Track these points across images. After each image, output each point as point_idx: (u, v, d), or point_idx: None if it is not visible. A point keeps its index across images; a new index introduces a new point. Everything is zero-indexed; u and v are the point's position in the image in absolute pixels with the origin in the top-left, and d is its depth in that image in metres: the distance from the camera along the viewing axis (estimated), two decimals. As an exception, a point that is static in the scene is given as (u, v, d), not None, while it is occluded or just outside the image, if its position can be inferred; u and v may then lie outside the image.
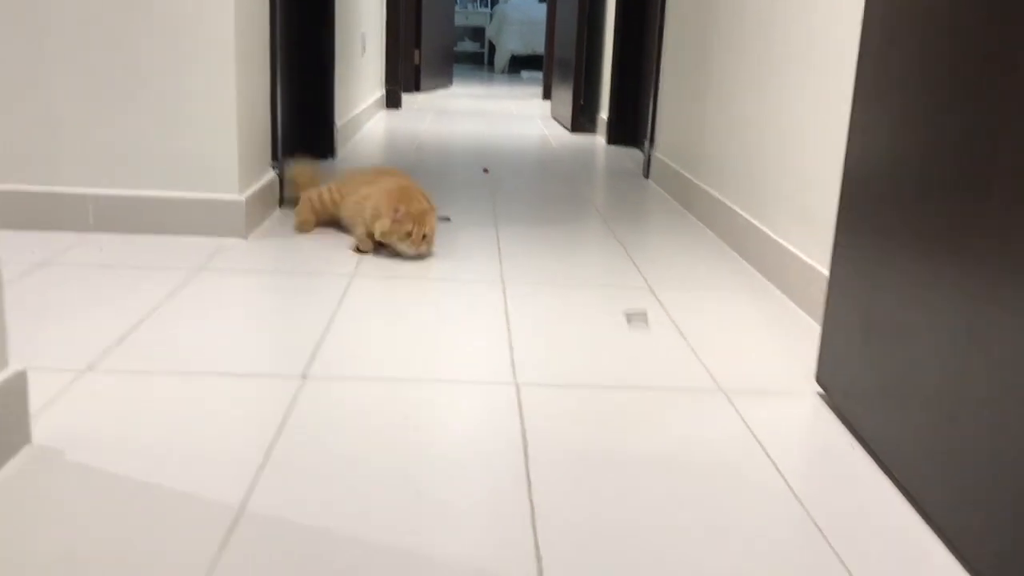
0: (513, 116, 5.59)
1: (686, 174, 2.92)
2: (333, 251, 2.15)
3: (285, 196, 2.56)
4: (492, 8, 10.22)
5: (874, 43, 1.28)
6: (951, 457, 1.02)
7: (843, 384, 1.34)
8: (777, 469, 1.19)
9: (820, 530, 1.05)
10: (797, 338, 1.72)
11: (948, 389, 1.03)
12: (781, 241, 2.05)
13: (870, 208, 1.28)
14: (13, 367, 1.10)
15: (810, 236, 1.90)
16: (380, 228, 2.08)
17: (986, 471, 0.95)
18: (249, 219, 2.23)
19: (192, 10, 2.08)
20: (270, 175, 2.46)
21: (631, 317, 1.59)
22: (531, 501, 1.08)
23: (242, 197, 2.19)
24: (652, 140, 3.47)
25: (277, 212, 2.51)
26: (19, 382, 1.10)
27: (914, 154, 1.15)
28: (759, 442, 1.27)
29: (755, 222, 2.23)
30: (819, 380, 1.42)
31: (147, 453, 1.14)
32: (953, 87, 1.06)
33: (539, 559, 0.96)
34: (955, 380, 1.02)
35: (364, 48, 4.48)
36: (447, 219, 2.57)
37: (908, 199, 1.16)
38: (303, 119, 3.45)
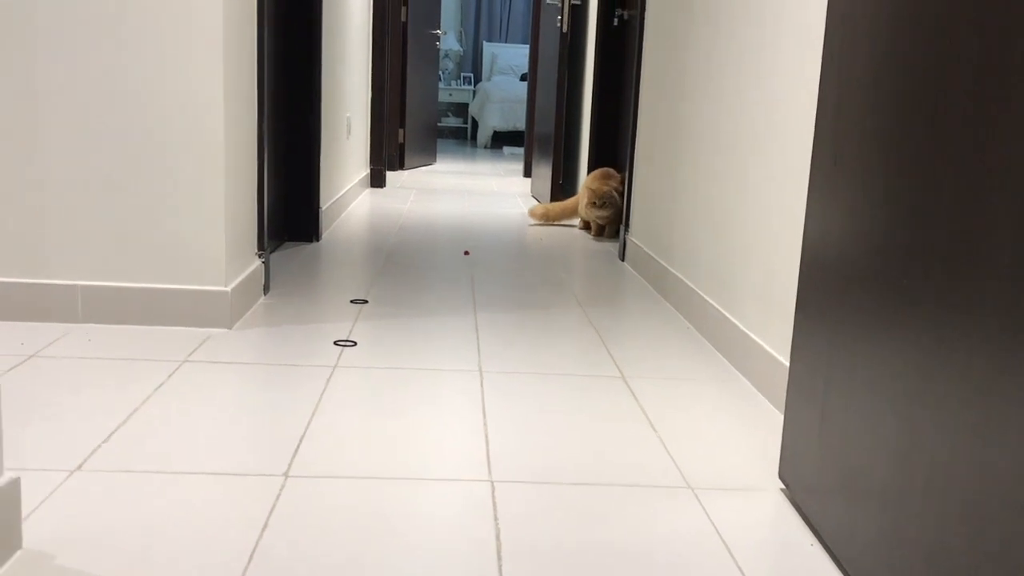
0: (494, 194, 5.72)
1: (660, 260, 3.02)
2: (316, 341, 2.21)
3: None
4: (475, 86, 10.48)
5: (827, 135, 1.38)
6: (897, 555, 1.08)
7: (803, 480, 1.40)
8: (738, 567, 1.25)
9: (777, 630, 1.10)
10: (763, 431, 1.78)
11: (893, 485, 1.10)
12: (748, 332, 2.13)
13: (825, 298, 1.36)
14: (7, 475, 1.15)
15: (774, 327, 1.98)
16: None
17: (930, 570, 1.01)
18: (234, 309, 2.30)
19: (182, 102, 2.17)
20: (256, 264, 2.53)
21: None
22: (503, 603, 1.13)
23: (228, 288, 2.26)
24: (627, 224, 3.58)
25: (262, 299, 2.58)
26: (12, 489, 1.15)
27: (864, 244, 1.23)
28: (723, 540, 1.32)
29: (724, 311, 2.32)
30: (781, 476, 1.49)
31: (133, 555, 1.19)
32: (898, 180, 1.15)
33: (509, 663, 1.01)
34: (900, 476, 1.08)
35: (350, 131, 4.61)
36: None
37: (858, 289, 1.24)
38: (288, 204, 3.54)
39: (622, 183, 3.95)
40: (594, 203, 3.98)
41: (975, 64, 0.97)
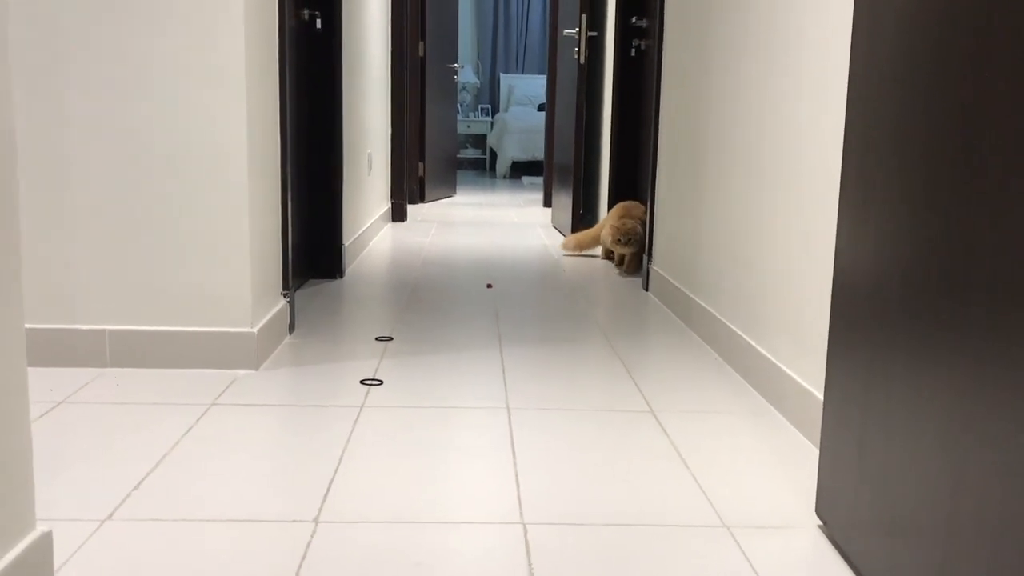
0: (515, 225, 5.72)
1: (684, 289, 3.00)
2: (342, 380, 2.21)
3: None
4: (492, 117, 10.54)
5: (855, 160, 1.36)
6: (946, 602, 1.05)
7: (841, 517, 1.37)
8: (780, 611, 1.22)
9: (823, 677, 1.07)
10: (798, 465, 1.75)
11: (940, 523, 1.07)
12: (779, 363, 2.10)
13: (859, 329, 1.33)
14: (39, 528, 1.14)
15: (806, 358, 1.95)
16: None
17: (979, 619, 0.98)
18: (260, 350, 2.30)
19: (207, 150, 2.19)
20: (281, 304, 2.54)
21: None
22: (540, 653, 1.10)
23: (254, 329, 2.26)
24: (650, 254, 3.56)
25: (287, 339, 2.58)
26: (44, 543, 1.14)
27: (897, 272, 1.20)
28: (762, 581, 1.30)
29: (753, 343, 2.29)
30: (819, 513, 1.46)
31: (166, 609, 1.18)
32: (931, 205, 1.13)
33: None
34: (947, 513, 1.06)
35: (371, 167, 4.64)
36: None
37: (893, 319, 1.21)
38: (312, 242, 3.56)
39: (645, 213, 3.95)
40: (619, 240, 3.97)
41: (1008, 89, 0.96)
